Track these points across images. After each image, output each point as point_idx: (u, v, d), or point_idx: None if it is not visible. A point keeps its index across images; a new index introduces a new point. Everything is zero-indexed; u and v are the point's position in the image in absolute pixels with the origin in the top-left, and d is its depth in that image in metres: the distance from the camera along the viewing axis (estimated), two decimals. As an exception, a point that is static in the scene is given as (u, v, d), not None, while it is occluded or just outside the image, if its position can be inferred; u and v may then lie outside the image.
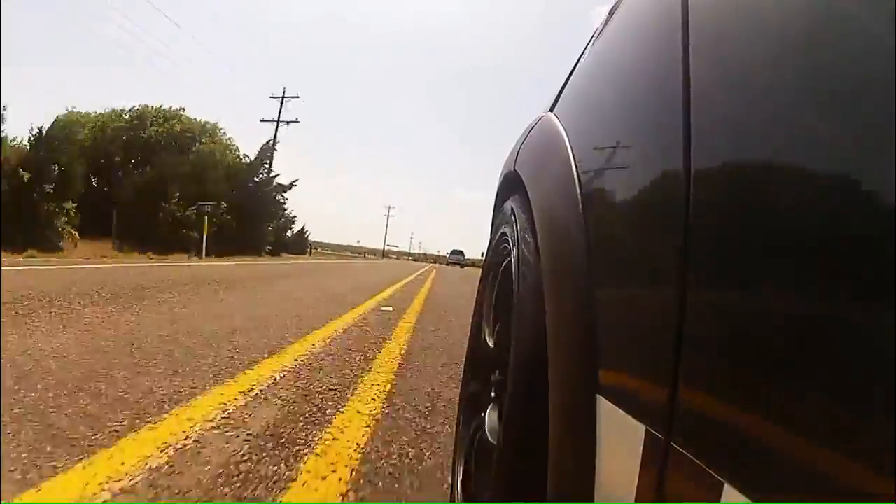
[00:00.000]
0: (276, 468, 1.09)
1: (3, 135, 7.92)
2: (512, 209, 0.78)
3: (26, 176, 7.77)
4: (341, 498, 1.01)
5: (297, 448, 1.21)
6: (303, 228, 22.49)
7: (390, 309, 4.12)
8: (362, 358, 2.23)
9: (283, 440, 1.25)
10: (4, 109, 7.79)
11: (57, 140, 8.66)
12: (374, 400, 1.65)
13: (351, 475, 1.10)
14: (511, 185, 0.88)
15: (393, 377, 1.96)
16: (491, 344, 0.91)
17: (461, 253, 39.22)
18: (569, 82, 0.76)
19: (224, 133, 19.08)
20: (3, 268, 3.95)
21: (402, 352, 2.46)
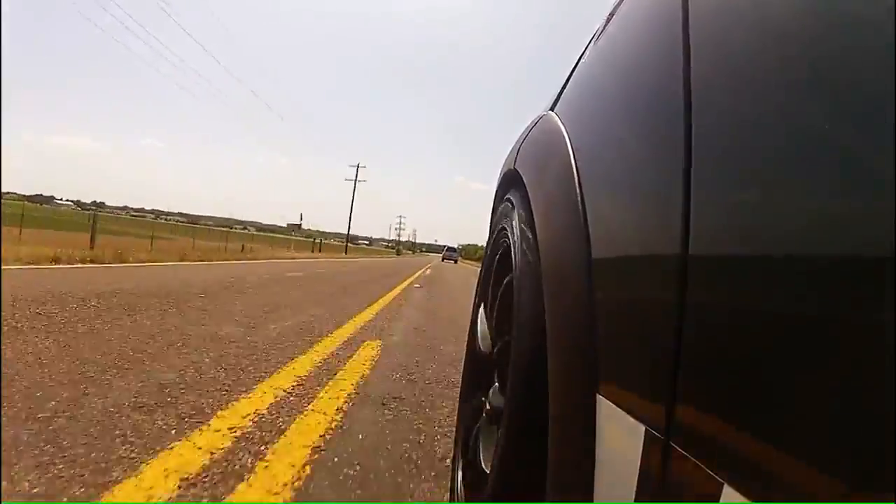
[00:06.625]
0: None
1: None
2: (511, 207, 0.78)
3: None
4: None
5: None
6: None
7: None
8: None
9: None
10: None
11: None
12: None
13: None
14: (511, 184, 0.88)
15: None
16: (490, 344, 0.91)
17: (454, 249, 48.60)
18: (569, 82, 0.76)
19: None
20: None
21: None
